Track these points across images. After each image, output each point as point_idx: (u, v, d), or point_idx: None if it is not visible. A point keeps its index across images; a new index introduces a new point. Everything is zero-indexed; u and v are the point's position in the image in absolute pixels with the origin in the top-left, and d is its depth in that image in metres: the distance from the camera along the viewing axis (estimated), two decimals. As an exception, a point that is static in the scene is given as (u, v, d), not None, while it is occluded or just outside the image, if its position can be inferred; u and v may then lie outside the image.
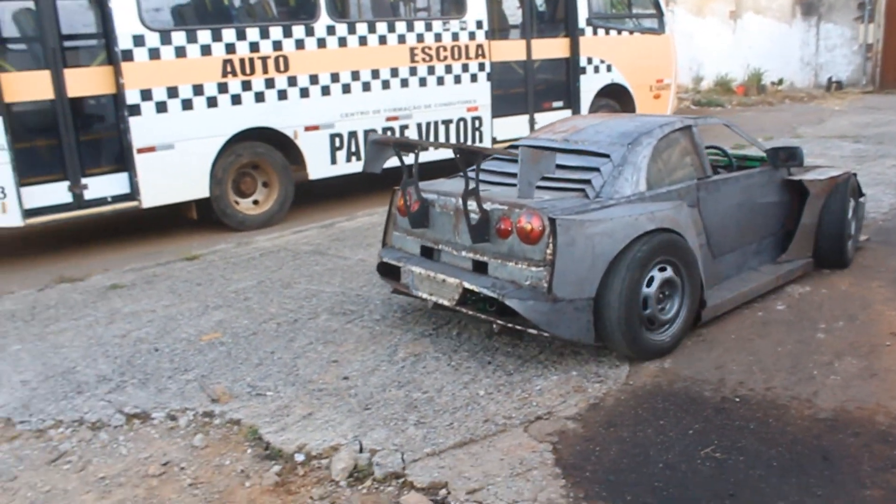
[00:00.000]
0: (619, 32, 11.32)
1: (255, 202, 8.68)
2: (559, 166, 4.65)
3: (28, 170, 7.34)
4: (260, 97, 8.28)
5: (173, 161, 7.89)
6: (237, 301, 6.06)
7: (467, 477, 3.54)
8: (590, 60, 10.92)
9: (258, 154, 8.46)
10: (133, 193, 7.82)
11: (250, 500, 3.49)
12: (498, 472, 3.57)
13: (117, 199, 7.78)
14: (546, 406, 4.15)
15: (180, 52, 7.82)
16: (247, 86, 8.19)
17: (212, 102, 8.02)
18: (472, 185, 4.62)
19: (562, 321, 4.39)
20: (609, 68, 11.15)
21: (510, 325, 4.51)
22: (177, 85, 7.84)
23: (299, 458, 3.77)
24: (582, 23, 10.73)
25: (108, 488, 3.62)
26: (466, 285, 4.62)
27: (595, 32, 10.93)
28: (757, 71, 20.45)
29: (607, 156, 4.94)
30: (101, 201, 7.71)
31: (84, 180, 7.61)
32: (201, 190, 8.11)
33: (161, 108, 7.78)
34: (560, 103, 10.84)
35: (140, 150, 7.71)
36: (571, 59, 10.79)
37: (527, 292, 4.40)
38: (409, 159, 5.18)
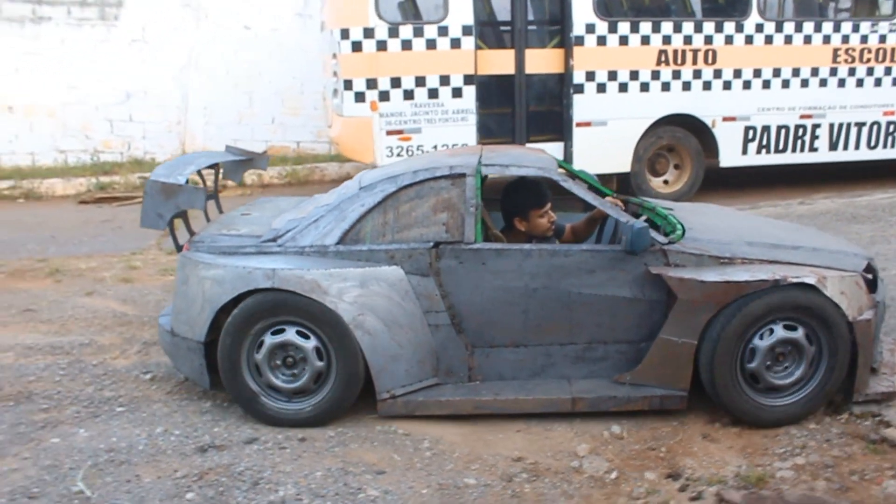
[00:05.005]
0: None
1: (665, 182, 9.42)
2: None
3: (486, 132, 8.64)
4: (686, 86, 8.98)
5: (604, 136, 8.84)
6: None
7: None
8: None
9: (676, 138, 9.17)
10: (566, 161, 8.84)
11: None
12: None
13: (551, 165, 8.86)
14: None
15: (623, 40, 8.74)
16: (676, 75, 8.92)
17: (644, 87, 8.87)
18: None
19: (179, 356, 4.39)
20: None
21: None
22: (616, 69, 8.77)
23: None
24: None
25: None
26: None
27: None
28: None
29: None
30: (537, 166, 8.83)
31: (527, 146, 8.77)
32: (624, 165, 9.01)
33: (601, 88, 8.77)
34: None
35: (578, 124, 8.77)
36: None
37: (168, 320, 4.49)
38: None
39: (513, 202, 4.64)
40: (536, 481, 3.68)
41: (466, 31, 8.32)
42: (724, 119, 9.16)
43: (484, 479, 3.69)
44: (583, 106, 8.74)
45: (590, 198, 4.38)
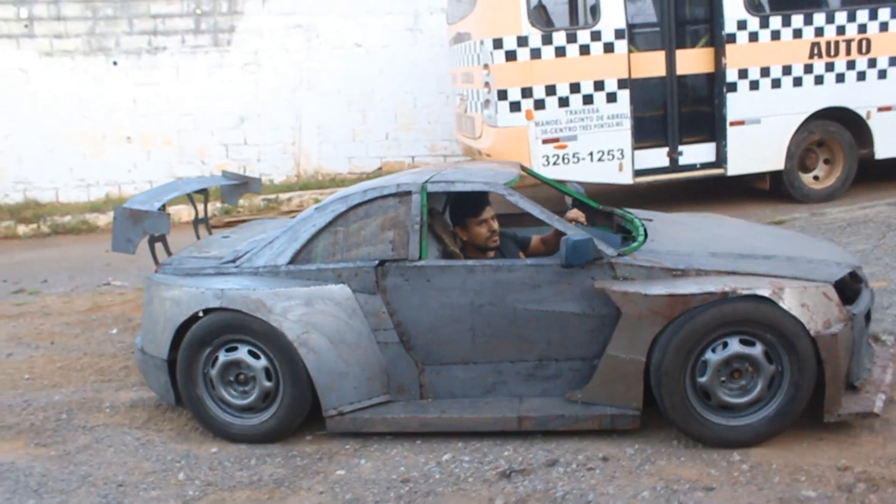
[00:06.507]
0: None
1: (815, 178, 9.17)
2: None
3: (640, 136, 8.49)
4: (840, 78, 8.73)
5: (758, 134, 8.63)
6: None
7: None
8: None
9: (829, 132, 8.92)
10: (719, 162, 8.70)
11: None
12: None
13: (705, 165, 8.74)
14: None
15: (775, 35, 8.53)
16: (829, 67, 8.68)
17: (797, 82, 8.64)
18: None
19: (149, 374, 4.61)
20: None
21: None
22: (769, 65, 8.56)
23: None
24: None
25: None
26: None
27: None
28: None
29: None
30: (690, 167, 8.72)
31: (680, 147, 8.62)
32: (777, 162, 8.78)
33: (754, 86, 8.57)
34: None
35: (732, 124, 8.57)
36: None
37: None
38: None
39: (452, 213, 4.72)
40: (878, 491, 3.49)
41: (619, 34, 8.18)
42: (880, 109, 8.86)
43: (822, 490, 3.52)
44: (736, 104, 8.54)
45: (536, 211, 4.27)
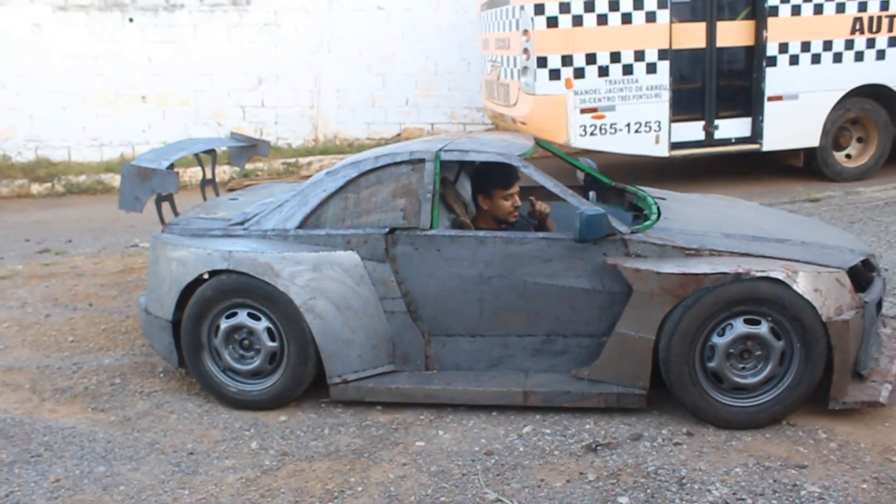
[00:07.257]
0: None
1: (848, 156, 9.11)
2: None
3: (678, 109, 8.39)
4: (881, 55, 8.62)
5: (795, 110, 8.53)
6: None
7: None
8: None
9: (864, 110, 8.83)
10: (754, 137, 8.62)
11: None
12: None
13: (740, 140, 8.65)
14: None
15: (818, 9, 8.40)
16: (870, 43, 8.57)
17: (837, 58, 8.53)
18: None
19: (153, 334, 4.53)
20: None
21: None
22: (810, 40, 8.44)
23: None
24: None
25: None
26: None
27: None
28: None
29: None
30: (725, 141, 8.63)
31: (716, 121, 8.53)
32: (812, 139, 8.69)
33: (793, 60, 8.45)
34: None
35: (770, 98, 8.47)
36: None
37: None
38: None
39: (479, 180, 4.59)
40: (973, 475, 3.47)
41: (661, 4, 8.04)
42: (918, 88, 8.80)
43: (917, 472, 3.49)
44: (775, 79, 8.42)
45: (550, 185, 4.20)
